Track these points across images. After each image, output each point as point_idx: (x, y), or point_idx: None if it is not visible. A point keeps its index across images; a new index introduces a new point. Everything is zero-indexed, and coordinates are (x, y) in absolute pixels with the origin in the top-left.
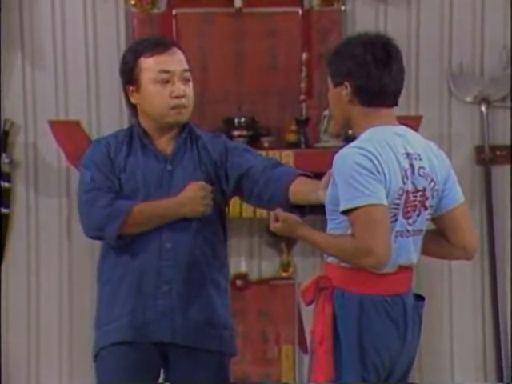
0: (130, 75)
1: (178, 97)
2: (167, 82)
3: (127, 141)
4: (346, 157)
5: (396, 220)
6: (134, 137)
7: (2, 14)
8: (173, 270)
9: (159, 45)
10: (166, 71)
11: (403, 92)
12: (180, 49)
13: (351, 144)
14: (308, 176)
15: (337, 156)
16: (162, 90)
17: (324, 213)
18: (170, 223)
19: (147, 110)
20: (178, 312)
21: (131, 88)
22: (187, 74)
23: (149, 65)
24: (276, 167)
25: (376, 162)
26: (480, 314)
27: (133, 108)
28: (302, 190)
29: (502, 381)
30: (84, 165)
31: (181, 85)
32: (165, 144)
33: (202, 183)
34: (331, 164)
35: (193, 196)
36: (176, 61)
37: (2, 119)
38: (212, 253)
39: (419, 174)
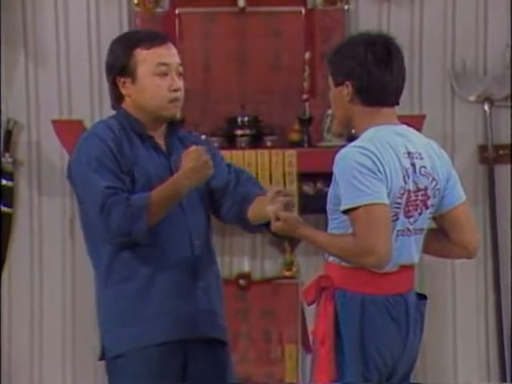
0: (123, 66)
1: (176, 90)
2: (165, 75)
3: (123, 133)
4: (347, 156)
5: (397, 219)
6: (127, 129)
7: (5, 13)
8: (202, 266)
9: (156, 37)
10: (165, 64)
11: (406, 91)
12: (172, 43)
13: (352, 143)
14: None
15: (338, 155)
16: (160, 82)
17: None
18: (194, 220)
19: (143, 102)
20: (208, 306)
21: (123, 79)
22: (181, 68)
23: (147, 57)
24: (240, 185)
25: (377, 161)
26: (483, 314)
27: (118, 99)
28: (256, 209)
29: (505, 380)
30: (89, 165)
31: (176, 78)
32: (159, 139)
33: (196, 150)
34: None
35: (194, 165)
36: (172, 54)
37: (6, 118)
38: (211, 245)
39: (420, 173)
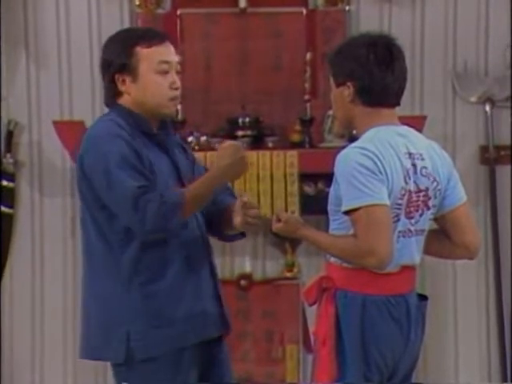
0: (123, 64)
1: (176, 88)
2: (166, 73)
3: (133, 132)
4: (348, 157)
5: (398, 220)
6: (132, 126)
7: (6, 14)
8: (213, 264)
9: (156, 36)
10: (166, 62)
11: (407, 92)
12: (173, 43)
13: (353, 144)
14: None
15: (339, 156)
16: (162, 80)
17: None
18: (202, 220)
19: (144, 99)
20: (225, 303)
21: (122, 77)
22: (179, 66)
23: (149, 54)
24: (217, 193)
25: (378, 162)
26: (484, 314)
27: (115, 96)
28: (229, 220)
29: (505, 381)
30: (115, 164)
31: (176, 76)
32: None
33: (232, 145)
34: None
35: (230, 162)
36: (172, 52)
37: (7, 119)
38: None
39: (422, 174)
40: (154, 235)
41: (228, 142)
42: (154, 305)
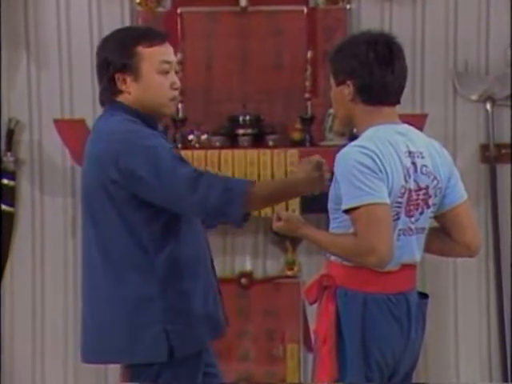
0: (124, 63)
1: (176, 88)
2: (167, 72)
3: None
4: (348, 155)
5: (399, 218)
6: (142, 124)
7: (7, 13)
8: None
9: (157, 35)
10: (167, 62)
11: (408, 90)
12: (174, 42)
13: (353, 143)
14: None
15: (338, 155)
16: (163, 80)
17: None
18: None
19: (146, 98)
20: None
21: (122, 77)
22: (178, 66)
23: (150, 54)
24: None
25: (378, 160)
26: (485, 313)
27: (114, 95)
28: None
29: (506, 380)
30: (164, 154)
31: (175, 76)
32: None
33: (309, 162)
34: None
35: (306, 177)
36: (172, 52)
37: (7, 118)
38: None
39: (422, 173)
40: (214, 218)
41: (312, 157)
42: (188, 304)
